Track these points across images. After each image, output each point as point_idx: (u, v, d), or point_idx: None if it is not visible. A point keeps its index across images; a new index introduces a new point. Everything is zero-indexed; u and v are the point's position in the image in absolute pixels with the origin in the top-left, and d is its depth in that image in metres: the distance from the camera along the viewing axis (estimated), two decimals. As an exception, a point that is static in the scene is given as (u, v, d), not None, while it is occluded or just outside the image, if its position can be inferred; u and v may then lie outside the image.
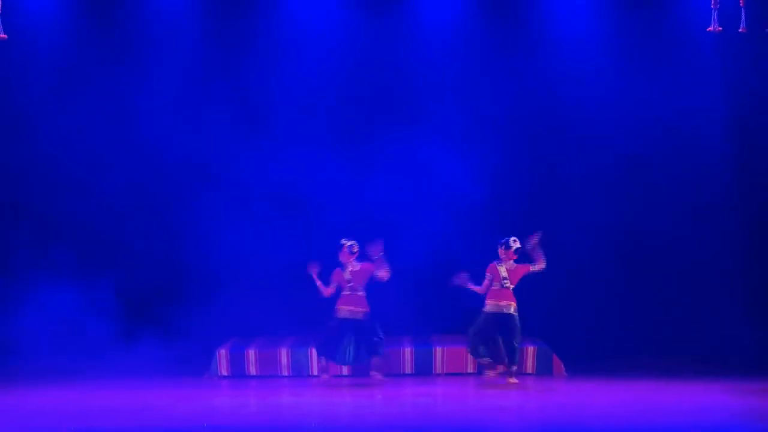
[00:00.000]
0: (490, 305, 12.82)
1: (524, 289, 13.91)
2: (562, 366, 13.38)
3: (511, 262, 12.86)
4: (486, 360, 12.93)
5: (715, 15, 11.78)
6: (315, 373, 13.28)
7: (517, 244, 12.82)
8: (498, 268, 12.85)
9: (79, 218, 14.66)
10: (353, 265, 12.94)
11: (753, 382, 12.55)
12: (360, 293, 12.93)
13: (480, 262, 13.06)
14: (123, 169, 14.80)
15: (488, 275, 12.85)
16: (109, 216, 14.73)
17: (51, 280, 14.10)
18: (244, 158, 14.80)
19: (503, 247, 12.87)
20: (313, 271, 12.90)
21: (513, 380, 12.77)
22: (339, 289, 13.00)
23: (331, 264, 13.07)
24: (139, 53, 14.82)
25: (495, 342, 12.80)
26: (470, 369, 13.30)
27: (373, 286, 13.01)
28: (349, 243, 12.93)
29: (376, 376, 12.97)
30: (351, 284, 12.91)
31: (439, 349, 13.47)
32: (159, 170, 14.82)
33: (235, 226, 14.85)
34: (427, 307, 14.55)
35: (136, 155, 14.78)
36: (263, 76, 14.92)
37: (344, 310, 12.93)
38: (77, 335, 14.04)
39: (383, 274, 12.80)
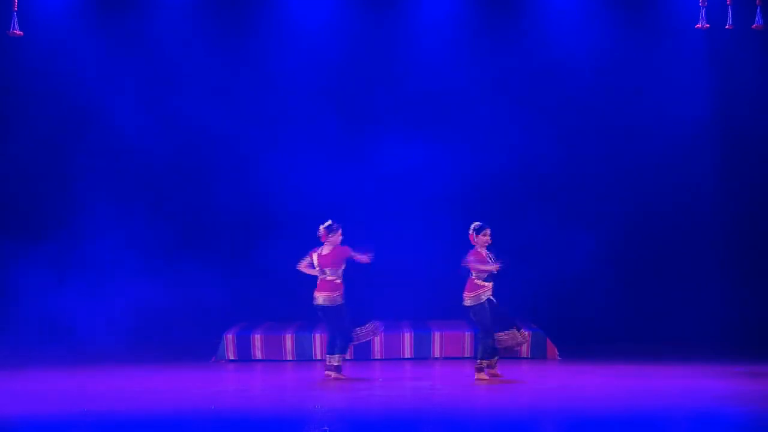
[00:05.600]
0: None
1: (521, 277, 14.30)
2: (556, 350, 13.57)
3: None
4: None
5: (703, 12, 11.88)
6: (318, 357, 13.40)
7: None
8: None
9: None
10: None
11: (737, 365, 12.79)
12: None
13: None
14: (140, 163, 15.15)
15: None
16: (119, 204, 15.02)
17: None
18: (253, 155, 15.02)
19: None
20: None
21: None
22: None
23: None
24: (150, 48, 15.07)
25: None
26: (467, 353, 13.46)
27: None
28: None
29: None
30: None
31: (437, 334, 13.66)
32: (172, 166, 15.10)
33: (247, 216, 15.16)
34: (426, 293, 14.73)
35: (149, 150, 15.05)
36: (265, 70, 15.18)
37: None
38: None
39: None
